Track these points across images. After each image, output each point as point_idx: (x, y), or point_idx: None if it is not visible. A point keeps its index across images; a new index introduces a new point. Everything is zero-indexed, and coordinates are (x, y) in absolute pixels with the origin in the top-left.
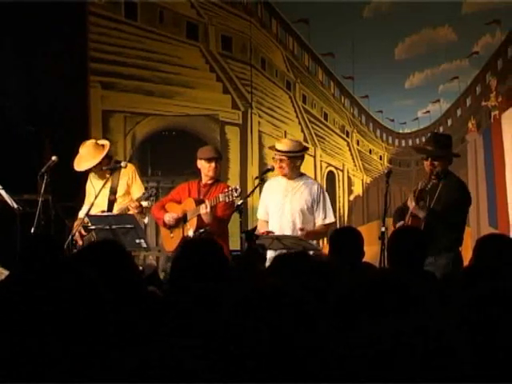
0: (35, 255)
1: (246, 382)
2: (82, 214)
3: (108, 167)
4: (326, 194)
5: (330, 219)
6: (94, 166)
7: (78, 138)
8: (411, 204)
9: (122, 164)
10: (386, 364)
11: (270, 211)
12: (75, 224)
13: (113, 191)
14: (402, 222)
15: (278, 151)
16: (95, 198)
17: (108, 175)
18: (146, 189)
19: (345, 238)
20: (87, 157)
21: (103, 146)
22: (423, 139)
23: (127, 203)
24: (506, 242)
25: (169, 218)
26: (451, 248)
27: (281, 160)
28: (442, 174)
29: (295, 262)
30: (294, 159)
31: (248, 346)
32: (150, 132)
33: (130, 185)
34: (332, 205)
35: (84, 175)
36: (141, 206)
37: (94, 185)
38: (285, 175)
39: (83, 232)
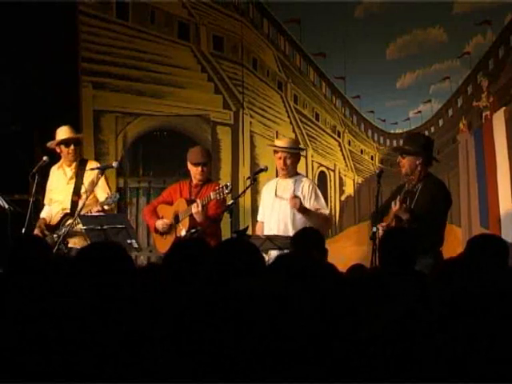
0: (24, 256)
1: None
2: (43, 213)
3: (98, 167)
4: (318, 191)
5: (325, 211)
6: (73, 143)
7: None
8: (395, 206)
9: (114, 164)
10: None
11: (265, 213)
12: (38, 224)
13: (76, 191)
14: (383, 224)
15: (282, 148)
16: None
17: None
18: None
19: (305, 236)
20: (68, 130)
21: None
22: None
23: (91, 203)
24: (497, 242)
25: (162, 226)
26: (433, 247)
27: (285, 157)
28: (420, 175)
29: (297, 263)
30: (297, 155)
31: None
32: (142, 132)
33: (96, 182)
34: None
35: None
36: (103, 210)
37: (54, 180)
38: (287, 172)
39: (46, 232)
